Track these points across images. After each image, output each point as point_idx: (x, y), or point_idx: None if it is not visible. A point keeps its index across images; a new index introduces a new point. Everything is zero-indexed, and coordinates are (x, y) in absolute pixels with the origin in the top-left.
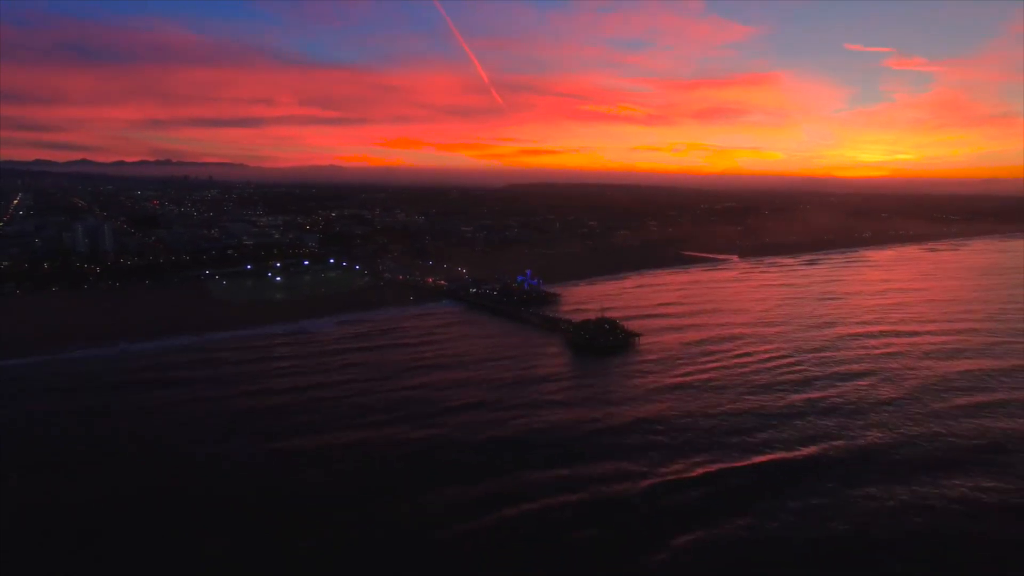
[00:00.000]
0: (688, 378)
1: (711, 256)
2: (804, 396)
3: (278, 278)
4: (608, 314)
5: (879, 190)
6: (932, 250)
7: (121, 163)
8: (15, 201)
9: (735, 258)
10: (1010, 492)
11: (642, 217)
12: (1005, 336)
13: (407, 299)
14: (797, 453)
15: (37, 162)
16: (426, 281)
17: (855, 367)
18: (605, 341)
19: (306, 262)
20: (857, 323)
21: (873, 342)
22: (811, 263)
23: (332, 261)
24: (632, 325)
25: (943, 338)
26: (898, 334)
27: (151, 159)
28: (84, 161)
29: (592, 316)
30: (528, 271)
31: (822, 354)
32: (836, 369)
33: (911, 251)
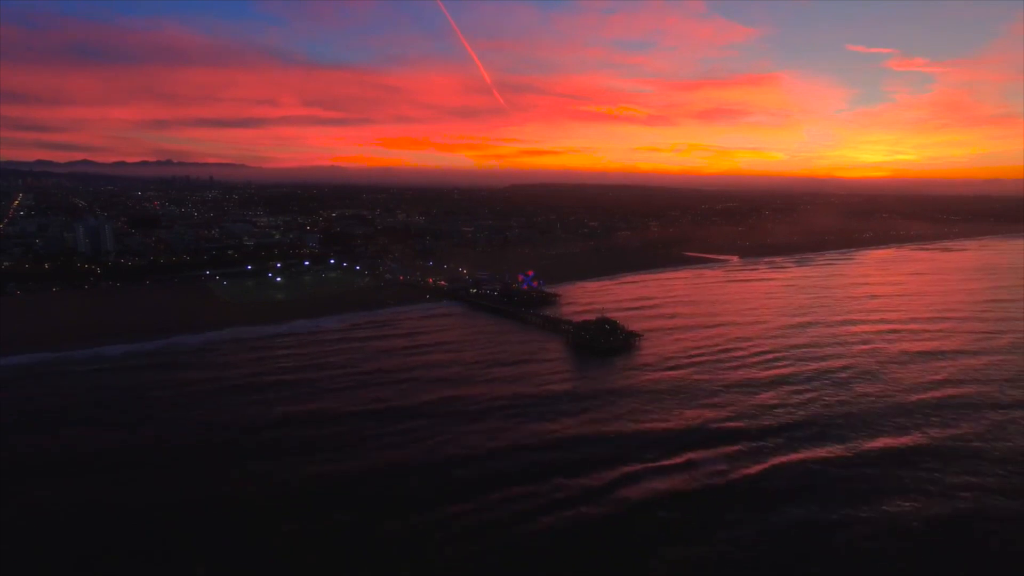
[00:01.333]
0: (678, 359)
1: (712, 257)
2: (765, 372)
3: (279, 278)
4: (608, 314)
5: (880, 190)
6: (922, 249)
7: (122, 163)
8: (16, 201)
9: (735, 258)
10: (923, 447)
11: (643, 217)
12: (956, 322)
13: (408, 299)
14: (749, 419)
15: (38, 162)
16: (427, 281)
17: (821, 350)
18: (606, 342)
19: (307, 262)
20: (832, 313)
21: (841, 329)
22: (811, 263)
23: (333, 261)
24: (631, 321)
25: (900, 326)
26: (855, 322)
27: (152, 159)
28: (85, 161)
29: (593, 316)
30: (529, 272)
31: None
32: (800, 352)
33: (905, 252)
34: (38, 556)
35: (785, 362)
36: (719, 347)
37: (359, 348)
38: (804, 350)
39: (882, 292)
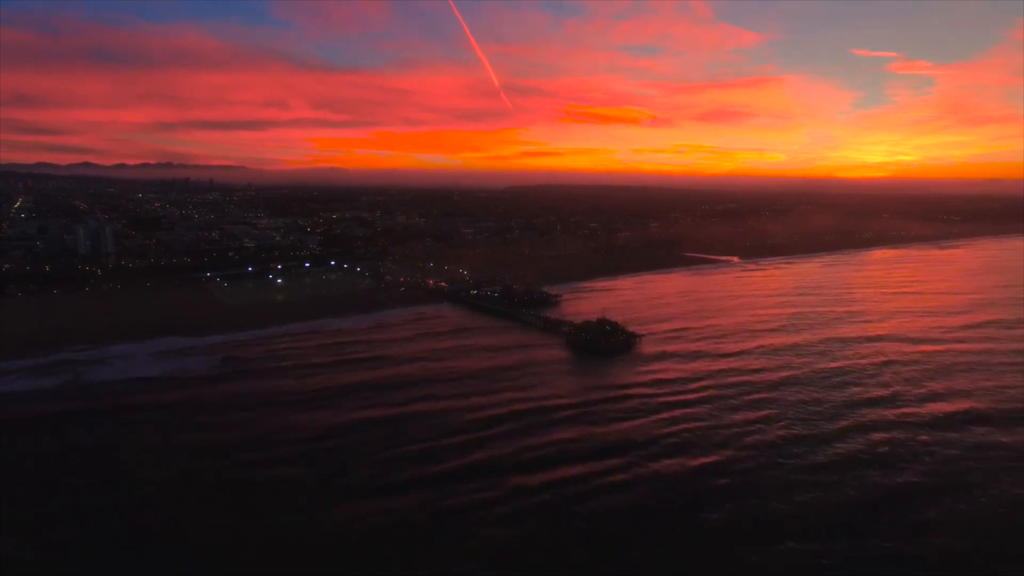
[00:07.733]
0: (678, 359)
1: (712, 257)
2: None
3: (279, 280)
4: (609, 314)
5: (881, 191)
6: (910, 248)
7: (122, 166)
8: (16, 204)
9: (735, 259)
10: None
11: (644, 218)
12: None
13: (408, 301)
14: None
15: (38, 164)
16: (427, 283)
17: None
18: (606, 343)
19: (307, 264)
20: (817, 306)
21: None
22: (813, 263)
23: (333, 263)
24: (631, 322)
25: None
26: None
27: (152, 162)
28: (86, 164)
29: (593, 317)
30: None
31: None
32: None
33: (893, 252)
34: None
35: (793, 368)
36: (720, 348)
37: (359, 351)
38: (813, 356)
39: (853, 285)
